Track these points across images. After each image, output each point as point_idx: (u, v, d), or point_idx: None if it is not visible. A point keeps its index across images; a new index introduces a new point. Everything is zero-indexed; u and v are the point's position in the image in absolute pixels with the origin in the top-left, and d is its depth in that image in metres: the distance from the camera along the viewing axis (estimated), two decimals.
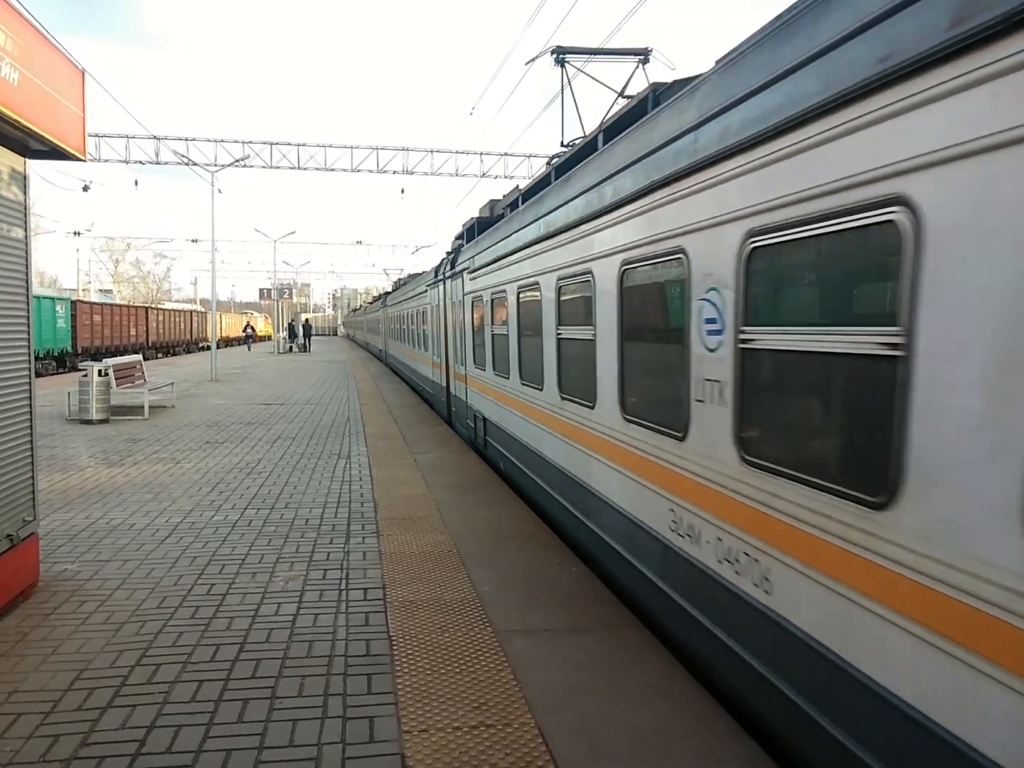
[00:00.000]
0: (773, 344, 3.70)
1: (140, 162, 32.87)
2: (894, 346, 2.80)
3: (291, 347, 53.65)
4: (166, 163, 33.09)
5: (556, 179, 8.17)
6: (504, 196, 13.09)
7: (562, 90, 10.90)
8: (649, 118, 5.41)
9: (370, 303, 61.94)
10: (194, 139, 32.87)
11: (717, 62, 4.57)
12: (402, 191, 39.49)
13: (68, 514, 8.40)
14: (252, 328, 63.02)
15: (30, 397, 6.12)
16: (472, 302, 12.72)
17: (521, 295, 9.05)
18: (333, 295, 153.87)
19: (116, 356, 26.88)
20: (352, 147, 34.23)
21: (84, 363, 17.28)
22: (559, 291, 7.38)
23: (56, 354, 34.13)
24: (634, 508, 5.53)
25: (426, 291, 19.58)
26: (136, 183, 36.51)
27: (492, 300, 10.90)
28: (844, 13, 3.13)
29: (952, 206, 2.57)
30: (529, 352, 8.74)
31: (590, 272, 6.34)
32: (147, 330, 47.68)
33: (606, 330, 6.06)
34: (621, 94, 10.59)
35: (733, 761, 3.71)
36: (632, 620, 5.48)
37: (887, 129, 2.86)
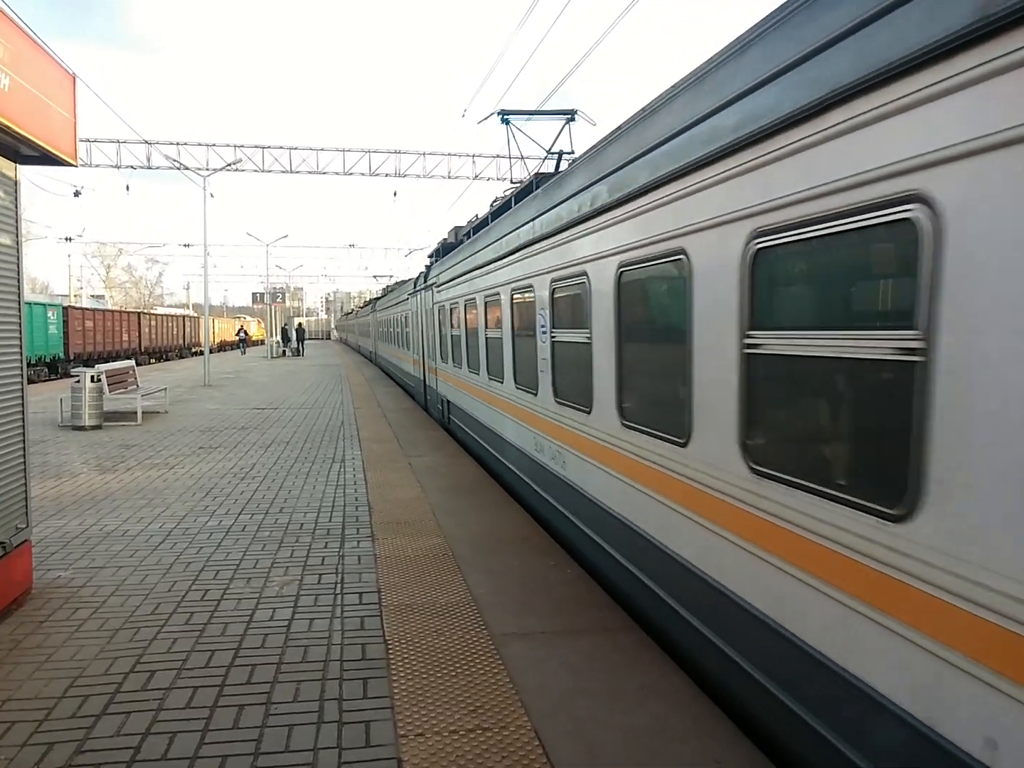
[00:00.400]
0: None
1: (131, 167, 32.82)
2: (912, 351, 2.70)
3: (284, 351, 53.56)
4: (158, 168, 33.08)
5: (492, 221, 11.45)
6: (467, 223, 15.62)
7: (508, 145, 13.72)
8: (527, 200, 8.79)
9: (361, 307, 63.19)
10: (185, 143, 32.85)
11: (582, 156, 7.01)
12: (395, 194, 39.43)
13: (61, 521, 8.36)
14: (245, 332, 63.60)
15: (22, 404, 6.09)
16: (438, 310, 15.99)
17: (465, 306, 12.50)
18: (326, 298, 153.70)
19: (109, 362, 26.77)
20: (344, 150, 34.24)
21: (76, 369, 17.21)
22: (485, 305, 10.79)
23: (48, 360, 33.98)
24: (519, 440, 9.07)
25: (407, 299, 22.75)
26: (128, 188, 36.49)
27: (450, 309, 14.23)
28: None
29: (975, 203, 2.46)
30: (472, 348, 12.09)
31: (498, 293, 9.81)
32: (139, 335, 47.52)
33: (506, 331, 9.56)
34: (548, 152, 13.30)
35: (731, 763, 3.71)
36: (628, 623, 5.48)
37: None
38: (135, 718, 4.15)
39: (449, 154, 34.62)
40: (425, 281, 18.46)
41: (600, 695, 4.37)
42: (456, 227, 16.61)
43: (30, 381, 18.07)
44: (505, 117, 13.46)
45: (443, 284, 15.17)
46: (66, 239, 63.36)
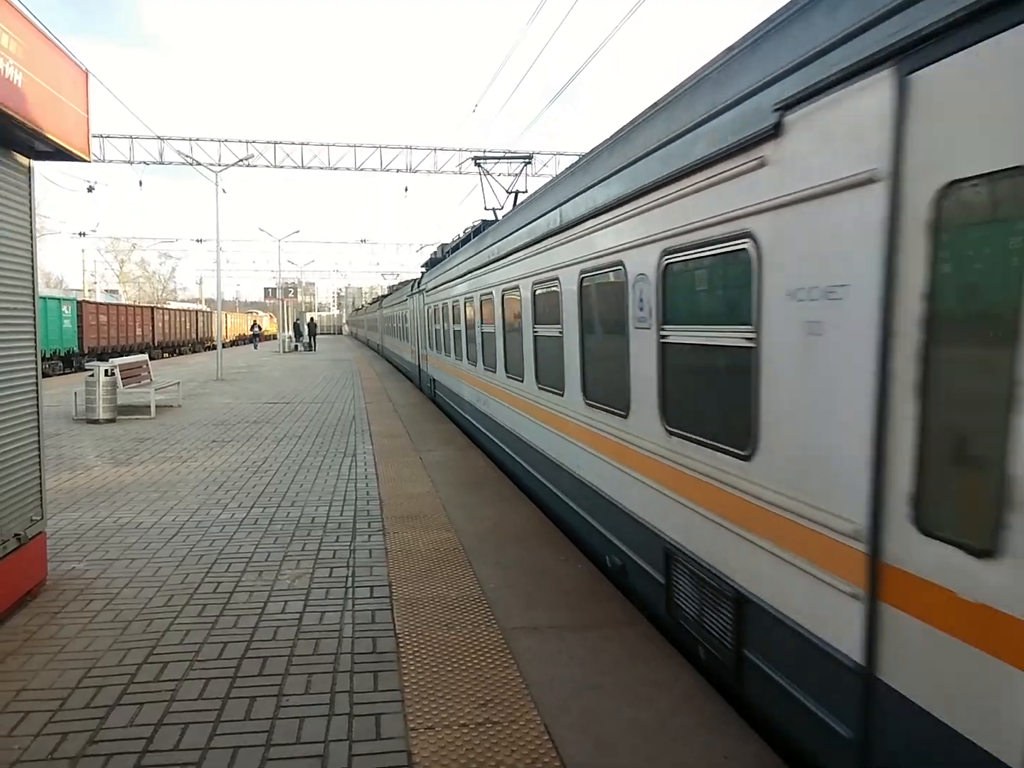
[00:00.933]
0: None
1: (144, 162, 32.95)
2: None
3: (296, 346, 53.77)
4: (170, 163, 33.18)
5: (462, 246, 15.61)
6: (452, 241, 18.80)
7: (481, 185, 17.86)
8: (480, 237, 12.78)
9: (370, 304, 64.69)
10: (198, 139, 32.93)
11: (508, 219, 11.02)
12: (406, 189, 39.44)
13: (75, 513, 8.44)
14: (259, 327, 64.52)
15: (37, 397, 6.14)
16: (429, 310, 19.62)
17: (447, 307, 16.06)
18: (338, 294, 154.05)
19: (122, 356, 26.96)
20: (355, 146, 34.25)
21: (90, 363, 17.34)
22: (464, 306, 13.82)
23: (62, 354, 34.25)
24: (474, 399, 13.15)
25: (407, 299, 27.04)
26: (140, 183, 36.70)
27: (435, 310, 18.31)
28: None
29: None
30: (452, 338, 15.65)
31: (471, 296, 12.89)
32: (153, 330, 47.80)
33: (475, 326, 12.62)
34: (508, 191, 17.18)
35: (739, 759, 3.72)
36: (638, 617, 5.48)
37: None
38: (148, 709, 4.19)
39: (460, 149, 34.59)
40: (419, 287, 22.58)
41: (609, 689, 4.37)
42: (442, 244, 20.21)
43: (45, 375, 18.24)
44: (478, 162, 18.36)
45: (430, 290, 19.19)
46: (80, 234, 63.84)
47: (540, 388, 8.23)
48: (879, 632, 2.95)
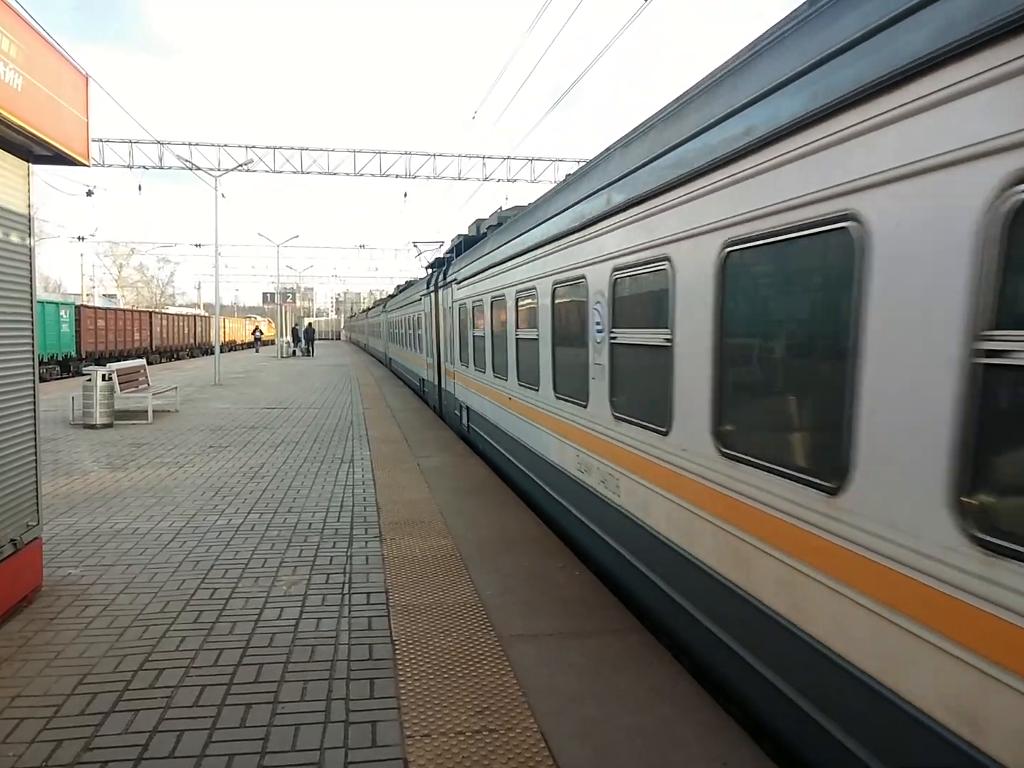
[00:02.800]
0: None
1: (144, 167, 33.01)
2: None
3: (294, 351, 53.79)
4: (170, 168, 33.25)
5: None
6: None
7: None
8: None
9: (371, 308, 63.91)
10: (198, 144, 32.99)
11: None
12: (405, 195, 39.54)
13: (72, 518, 8.41)
14: (260, 331, 65.53)
15: (34, 402, 6.13)
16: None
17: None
18: (336, 299, 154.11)
19: (120, 361, 26.92)
20: (355, 151, 34.31)
21: (88, 368, 17.31)
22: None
23: (60, 359, 34.18)
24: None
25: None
26: (140, 188, 36.82)
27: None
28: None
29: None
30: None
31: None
32: (151, 335, 47.75)
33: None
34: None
35: (739, 766, 3.70)
36: (636, 624, 5.46)
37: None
38: (143, 716, 4.17)
39: (459, 155, 34.67)
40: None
41: (607, 697, 4.36)
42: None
43: (42, 379, 18.18)
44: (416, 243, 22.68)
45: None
46: (79, 238, 63.76)
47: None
48: None
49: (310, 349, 54.52)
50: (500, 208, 15.34)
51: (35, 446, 6.16)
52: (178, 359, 52.61)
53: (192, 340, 58.06)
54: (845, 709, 3.16)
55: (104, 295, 74.89)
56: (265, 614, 5.67)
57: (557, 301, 7.63)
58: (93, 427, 15.93)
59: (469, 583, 6.30)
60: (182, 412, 19.08)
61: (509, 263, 9.71)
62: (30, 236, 6.01)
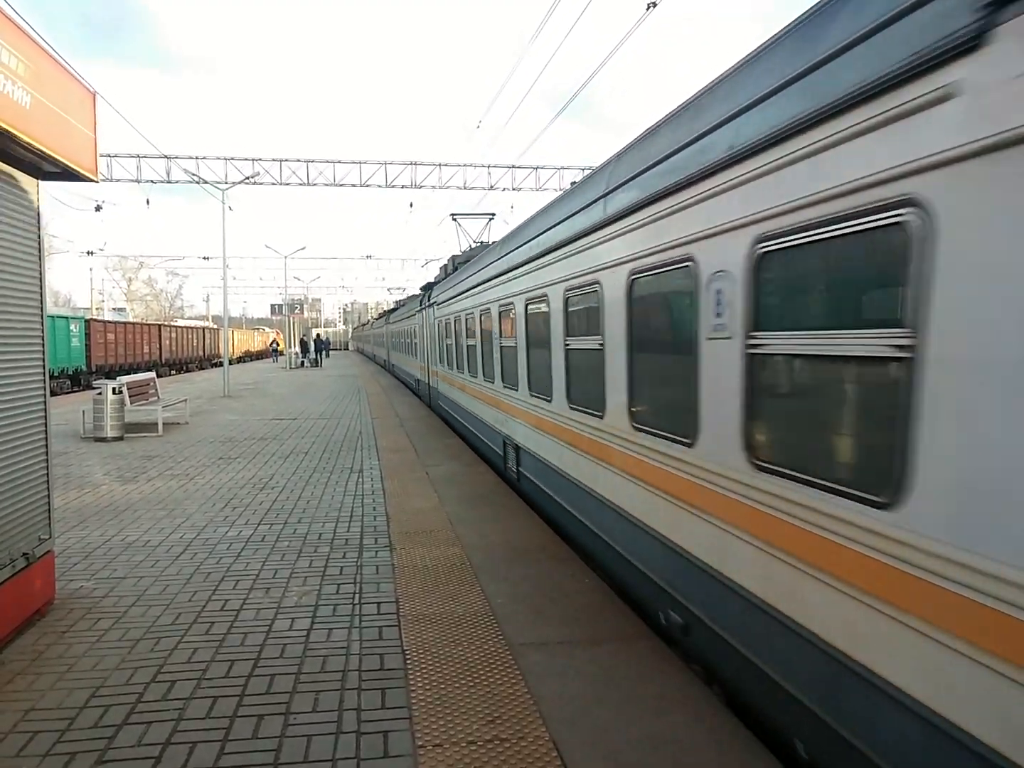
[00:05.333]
0: None
1: (151, 181, 33.18)
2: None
3: (303, 362, 54.00)
4: (177, 182, 33.42)
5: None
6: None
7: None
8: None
9: (375, 319, 66.35)
10: (204, 157, 33.19)
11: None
12: (411, 205, 39.68)
13: (83, 531, 8.45)
14: (276, 343, 69.33)
15: (45, 416, 6.17)
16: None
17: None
18: (343, 309, 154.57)
19: (130, 374, 27.05)
20: (361, 162, 34.46)
21: (98, 381, 17.43)
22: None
23: (70, 373, 34.39)
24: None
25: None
26: (148, 202, 37.15)
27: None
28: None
29: None
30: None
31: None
32: (160, 347, 48.02)
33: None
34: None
35: None
36: (646, 631, 5.45)
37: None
38: (156, 728, 4.18)
39: (464, 165, 34.75)
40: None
41: (618, 705, 4.34)
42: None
43: (53, 393, 18.32)
44: (455, 217, 23.79)
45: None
46: (88, 253, 64.24)
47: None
48: None
49: (319, 360, 54.67)
50: (472, 244, 22.15)
51: (47, 460, 6.20)
52: (187, 371, 52.86)
53: (201, 352, 58.36)
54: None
55: (113, 309, 75.38)
56: (276, 625, 5.68)
57: (492, 319, 11.52)
58: (104, 440, 16.01)
59: (479, 592, 6.29)
60: (192, 424, 19.15)
61: (469, 291, 13.84)
62: (40, 251, 6.06)
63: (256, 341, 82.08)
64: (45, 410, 6.17)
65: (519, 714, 4.26)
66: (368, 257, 74.53)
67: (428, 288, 23.22)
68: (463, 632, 5.45)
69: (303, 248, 63.89)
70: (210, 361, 59.90)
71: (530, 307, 8.98)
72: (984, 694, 2.48)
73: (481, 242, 20.93)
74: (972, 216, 2.54)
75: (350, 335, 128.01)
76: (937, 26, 2.62)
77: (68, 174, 6.22)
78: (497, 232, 24.08)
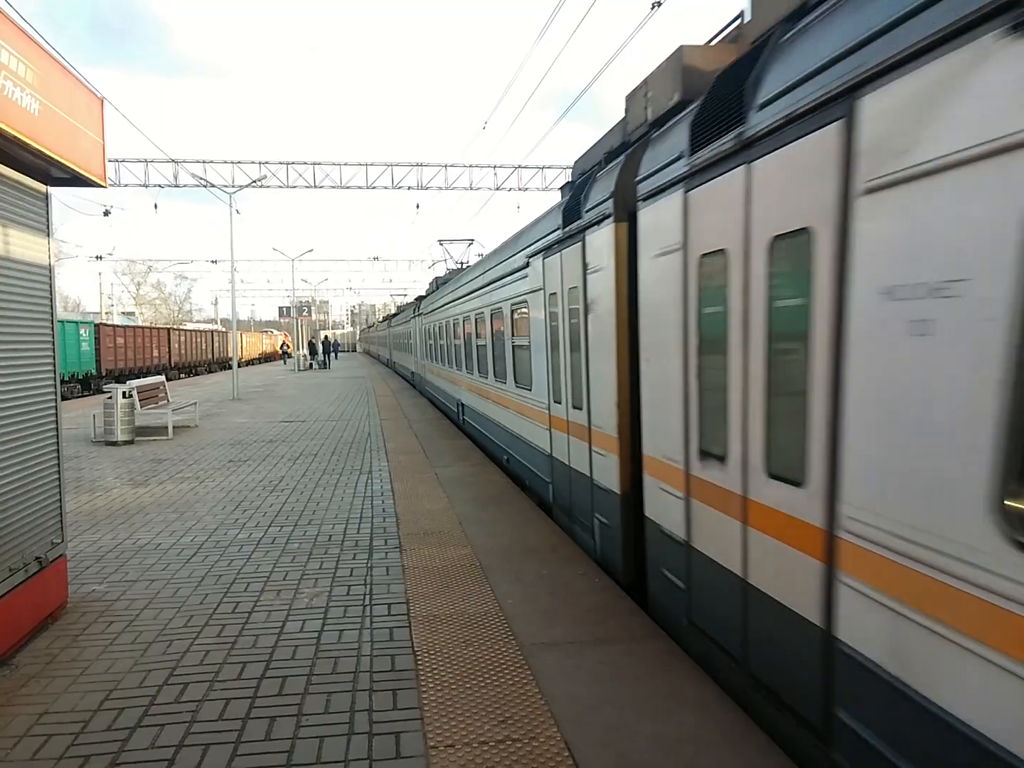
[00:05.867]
0: None
1: (159, 185, 33.29)
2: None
3: (311, 364, 54.18)
4: (185, 186, 33.51)
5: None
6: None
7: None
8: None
9: (380, 322, 69.05)
10: (211, 161, 33.28)
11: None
12: (417, 206, 39.74)
13: (95, 535, 8.49)
14: (287, 346, 71.88)
15: (56, 420, 6.20)
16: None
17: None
18: (351, 311, 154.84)
19: (140, 378, 27.18)
20: (367, 164, 34.49)
21: (108, 385, 17.50)
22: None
23: (81, 377, 34.57)
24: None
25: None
26: (156, 206, 37.38)
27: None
28: None
29: None
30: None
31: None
32: (169, 351, 48.20)
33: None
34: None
35: None
36: (657, 631, 5.44)
37: None
38: (169, 730, 4.20)
39: (470, 166, 34.74)
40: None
41: (630, 704, 4.34)
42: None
43: (64, 398, 18.44)
44: (442, 242, 28.90)
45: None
46: (97, 257, 64.47)
47: None
48: None
49: (327, 362, 54.79)
50: (456, 264, 27.70)
51: (58, 464, 6.23)
52: (196, 375, 53.05)
53: (210, 355, 58.58)
54: None
55: (123, 313, 75.76)
56: (287, 627, 5.69)
57: (452, 328, 16.98)
58: (115, 444, 16.09)
59: (489, 592, 6.30)
60: (202, 427, 19.23)
61: (439, 308, 19.79)
62: (49, 257, 6.10)
63: (264, 344, 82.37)
64: (56, 415, 6.21)
65: (530, 714, 4.26)
66: (375, 259, 74.54)
67: (419, 300, 29.55)
68: (474, 633, 5.45)
69: (310, 250, 63.86)
70: (219, 364, 60.12)
71: (466, 322, 15.32)
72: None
73: (461, 263, 27.19)
74: None
75: (358, 337, 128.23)
76: None
77: (77, 179, 6.25)
78: (481, 249, 29.61)
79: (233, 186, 31.89)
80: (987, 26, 2.42)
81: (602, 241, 6.43)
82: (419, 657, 5.05)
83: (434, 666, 4.91)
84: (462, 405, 16.77)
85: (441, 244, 28.83)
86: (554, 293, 8.16)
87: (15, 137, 4.98)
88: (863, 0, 3.15)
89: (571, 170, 9.31)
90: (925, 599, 2.77)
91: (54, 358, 6.17)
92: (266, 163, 33.61)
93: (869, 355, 3.04)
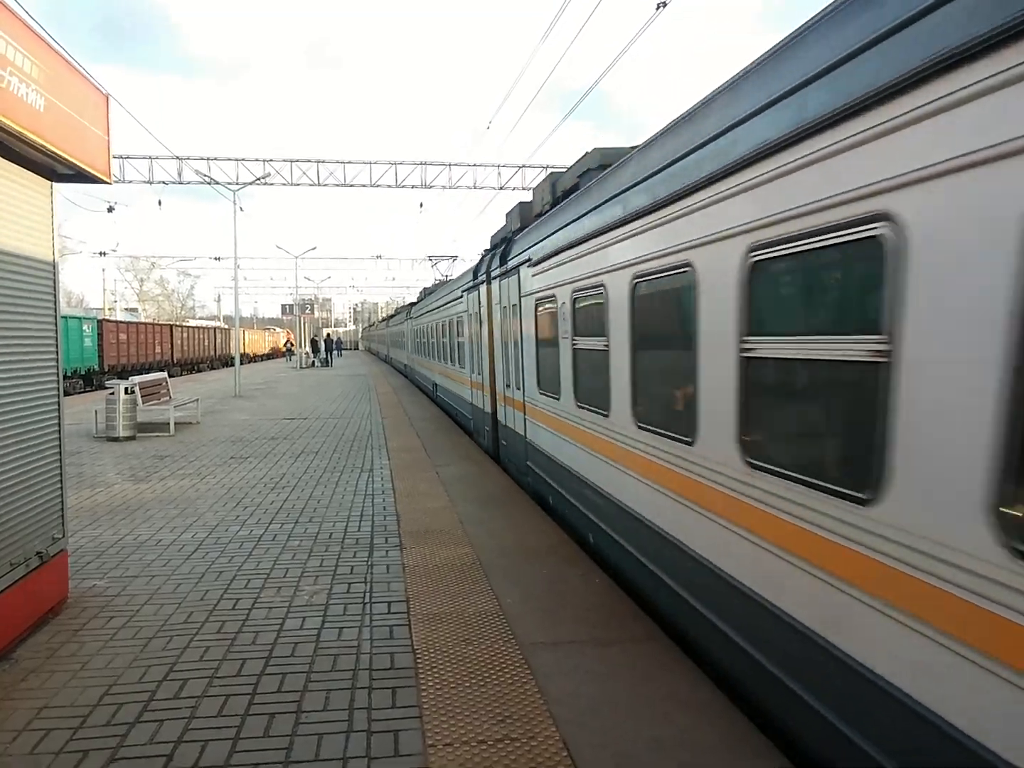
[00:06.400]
0: None
1: (163, 182, 33.36)
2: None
3: (313, 362, 54.28)
4: (189, 183, 33.58)
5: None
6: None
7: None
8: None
9: (391, 316, 68.35)
10: (216, 158, 33.34)
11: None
12: (421, 205, 39.69)
13: (96, 530, 8.51)
14: (291, 343, 72.87)
15: (58, 416, 6.22)
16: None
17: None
18: (354, 309, 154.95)
19: (142, 374, 27.21)
20: (371, 162, 34.53)
21: (111, 381, 17.53)
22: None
23: (83, 373, 34.63)
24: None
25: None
26: (160, 203, 37.50)
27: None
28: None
29: None
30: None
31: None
32: (172, 348, 48.27)
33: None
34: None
35: None
36: (657, 632, 5.44)
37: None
38: (168, 726, 4.20)
39: (475, 165, 34.76)
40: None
41: (628, 705, 4.34)
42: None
43: (66, 393, 18.47)
44: (432, 259, 33.27)
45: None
46: (100, 254, 64.55)
47: None
48: None
49: (329, 359, 54.85)
50: (443, 277, 32.05)
51: (60, 459, 6.24)
52: (199, 371, 53.11)
53: (212, 352, 58.64)
54: None
55: (126, 309, 75.79)
56: (287, 624, 5.70)
57: (431, 330, 22.41)
58: (116, 440, 16.12)
59: (489, 591, 6.30)
60: (203, 424, 19.25)
61: (423, 315, 24.83)
62: (53, 252, 6.11)
63: (267, 341, 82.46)
64: (59, 410, 6.22)
65: (529, 714, 4.26)
66: (378, 257, 74.56)
67: (410, 306, 35.36)
68: (473, 631, 5.46)
69: (314, 248, 63.96)
70: (221, 361, 60.18)
71: (431, 327, 22.48)
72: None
73: (446, 275, 31.70)
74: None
75: (360, 335, 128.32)
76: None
77: (81, 176, 6.27)
78: (460, 267, 33.35)
79: (237, 183, 31.94)
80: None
81: (483, 291, 13.56)
82: (418, 655, 5.06)
83: (433, 664, 4.91)
84: (436, 385, 23.88)
85: (431, 259, 33.77)
86: (472, 314, 15.07)
87: (20, 133, 4.99)
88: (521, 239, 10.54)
89: (489, 240, 15.02)
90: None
91: (57, 353, 6.18)
92: (270, 161, 33.68)
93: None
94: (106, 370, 36.50)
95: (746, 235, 3.97)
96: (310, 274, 74.36)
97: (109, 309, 69.53)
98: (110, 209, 38.23)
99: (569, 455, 8.05)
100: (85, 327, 34.79)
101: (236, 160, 33.52)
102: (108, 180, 6.50)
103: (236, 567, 7.11)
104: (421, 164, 34.75)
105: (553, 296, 8.40)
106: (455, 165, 34.83)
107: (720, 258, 4.28)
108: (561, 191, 9.51)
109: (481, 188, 35.11)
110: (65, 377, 27.43)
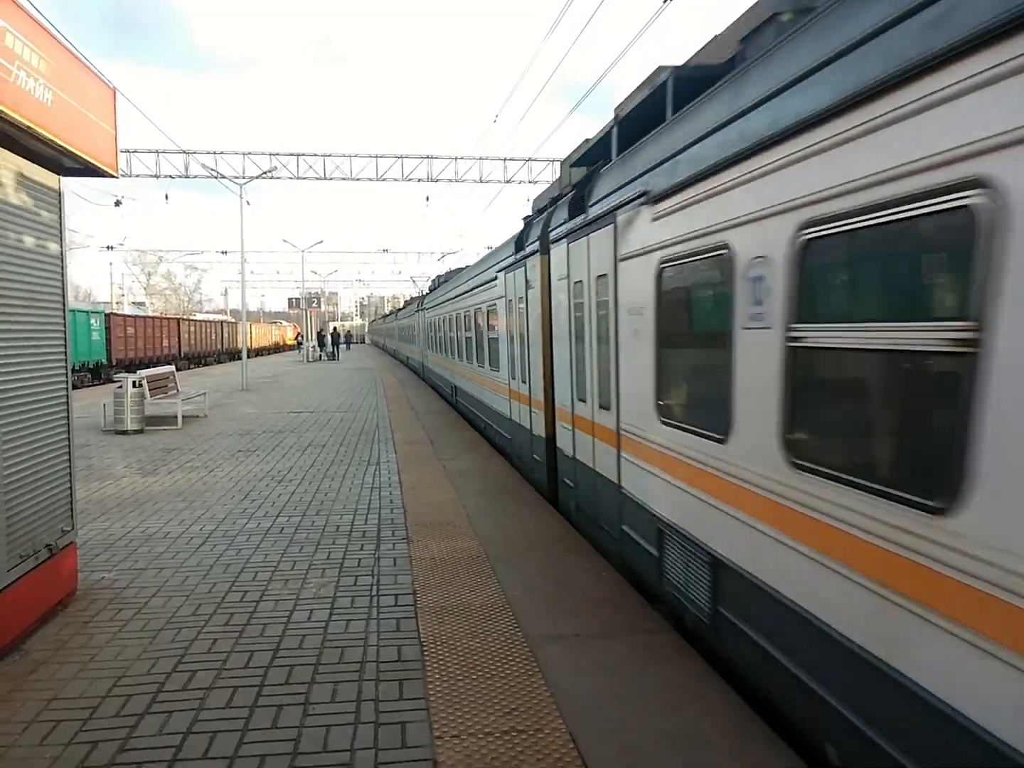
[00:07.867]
0: None
1: (170, 176, 33.42)
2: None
3: (320, 355, 54.44)
4: (195, 177, 33.63)
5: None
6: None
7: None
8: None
9: (386, 316, 68.85)
10: (222, 152, 33.35)
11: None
12: (427, 198, 39.72)
13: (105, 523, 8.55)
14: (301, 336, 71.77)
15: (67, 409, 6.24)
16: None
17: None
18: (360, 303, 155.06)
19: (149, 367, 27.31)
20: (377, 156, 34.51)
21: (119, 375, 17.59)
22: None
23: (91, 366, 34.76)
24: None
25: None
26: (167, 197, 37.49)
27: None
28: None
29: None
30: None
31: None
32: (179, 341, 48.39)
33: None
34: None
35: (768, 766, 3.67)
36: (663, 624, 5.45)
37: None
38: (176, 717, 4.23)
39: (481, 158, 34.71)
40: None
41: (635, 697, 4.35)
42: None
43: (74, 387, 18.58)
44: (412, 277, 51.89)
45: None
46: (108, 248, 64.69)
47: None
48: None
49: (335, 353, 54.97)
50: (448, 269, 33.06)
51: (69, 452, 6.27)
52: (206, 365, 53.25)
53: (219, 346, 58.77)
54: None
55: (133, 303, 75.95)
56: (295, 616, 5.73)
57: (443, 323, 23.68)
58: (124, 433, 16.19)
59: (496, 584, 6.31)
60: (211, 417, 19.31)
61: (433, 308, 25.71)
62: (61, 246, 6.12)
63: (273, 335, 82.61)
64: (67, 403, 6.25)
65: (536, 706, 4.27)
66: (385, 251, 74.60)
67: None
68: (480, 624, 5.47)
69: (320, 242, 63.84)
70: (228, 354, 60.31)
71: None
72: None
73: (451, 268, 31.91)
74: None
75: (367, 329, 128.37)
76: None
77: (89, 170, 6.27)
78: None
79: (244, 177, 31.97)
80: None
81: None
82: (425, 648, 5.08)
83: (440, 657, 4.93)
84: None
85: (412, 280, 36.06)
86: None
87: (28, 127, 5.00)
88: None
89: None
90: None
91: (65, 347, 6.20)
92: (277, 154, 33.70)
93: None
94: (114, 364, 36.63)
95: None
96: (317, 268, 74.20)
97: (116, 303, 69.73)
98: (117, 203, 38.20)
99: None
100: (93, 321, 34.88)
101: (243, 154, 33.54)
102: (115, 174, 6.50)
103: (244, 560, 7.14)
104: (427, 158, 34.71)
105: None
106: (461, 159, 34.78)
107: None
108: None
109: (488, 181, 35.06)
110: (73, 371, 27.54)
